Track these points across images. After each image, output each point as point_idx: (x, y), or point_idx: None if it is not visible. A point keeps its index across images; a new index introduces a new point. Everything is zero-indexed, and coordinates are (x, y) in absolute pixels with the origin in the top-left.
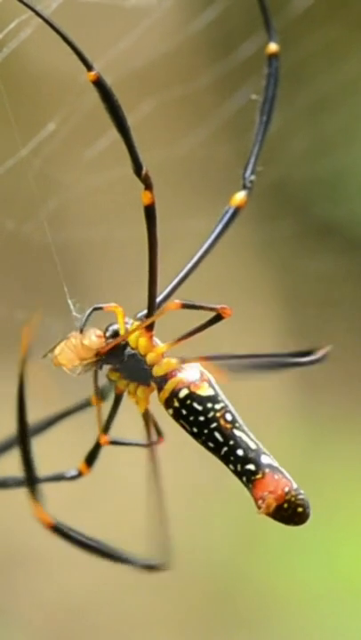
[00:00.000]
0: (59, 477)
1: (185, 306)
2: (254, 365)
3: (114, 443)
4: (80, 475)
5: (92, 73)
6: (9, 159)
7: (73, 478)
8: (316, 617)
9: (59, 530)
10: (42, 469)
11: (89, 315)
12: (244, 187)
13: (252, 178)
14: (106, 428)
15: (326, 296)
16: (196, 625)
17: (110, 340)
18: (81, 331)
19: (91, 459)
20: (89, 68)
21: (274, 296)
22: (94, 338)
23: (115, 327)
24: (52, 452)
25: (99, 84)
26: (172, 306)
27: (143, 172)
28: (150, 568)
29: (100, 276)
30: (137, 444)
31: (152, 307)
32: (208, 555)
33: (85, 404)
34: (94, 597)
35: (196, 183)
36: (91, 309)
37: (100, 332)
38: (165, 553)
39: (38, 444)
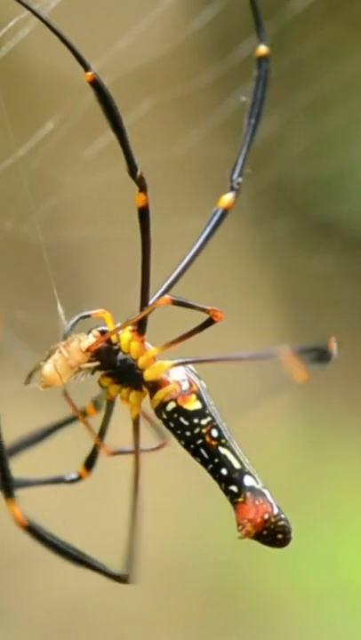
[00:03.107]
0: (58, 480)
1: (175, 302)
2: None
3: (118, 453)
4: (80, 478)
5: (89, 73)
6: (7, 158)
7: (73, 482)
8: (316, 617)
9: (32, 530)
10: (42, 471)
11: (75, 323)
12: (232, 188)
13: (240, 180)
14: (101, 436)
15: (326, 295)
16: (196, 625)
17: (103, 341)
18: (65, 337)
19: (90, 463)
20: (86, 68)
21: (273, 296)
22: (92, 338)
23: (104, 328)
24: (52, 454)
25: (95, 84)
26: (162, 301)
27: (138, 173)
28: (117, 579)
29: (98, 275)
30: (141, 451)
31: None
32: (208, 555)
33: (83, 415)
34: (94, 597)
35: (195, 182)
36: (77, 317)
37: (96, 333)
38: (133, 567)
39: (40, 445)
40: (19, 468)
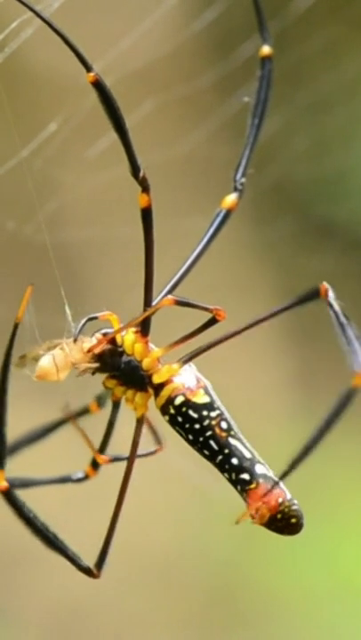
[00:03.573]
0: (65, 479)
1: (179, 302)
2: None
3: (114, 460)
4: (87, 477)
5: (92, 74)
6: (10, 159)
7: (79, 481)
8: (317, 617)
9: (9, 497)
10: (49, 471)
11: (83, 325)
12: (235, 189)
13: (243, 180)
14: (107, 437)
15: None
16: (196, 625)
17: (105, 343)
18: (75, 340)
19: (96, 462)
20: (88, 69)
21: (273, 296)
22: (94, 340)
23: (108, 330)
24: (58, 453)
25: (98, 85)
26: (165, 302)
27: (140, 174)
28: (85, 571)
29: (99, 276)
30: (137, 456)
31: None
32: (208, 555)
33: (84, 412)
34: (94, 597)
35: (196, 182)
36: (85, 319)
37: (99, 335)
38: (103, 562)
39: (46, 445)
40: (25, 467)
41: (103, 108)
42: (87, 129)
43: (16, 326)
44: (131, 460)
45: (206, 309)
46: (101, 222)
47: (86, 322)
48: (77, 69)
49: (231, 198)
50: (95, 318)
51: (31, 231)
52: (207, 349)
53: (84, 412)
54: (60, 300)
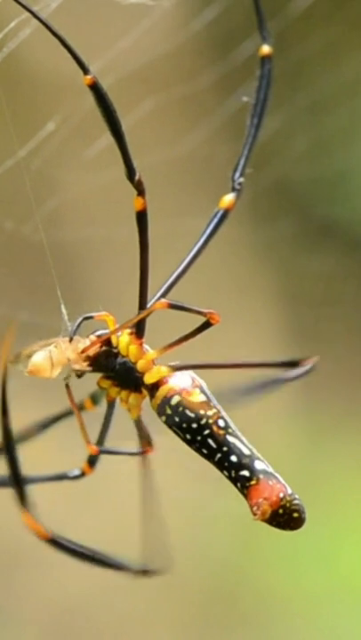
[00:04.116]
0: (61, 477)
1: (172, 306)
2: (245, 390)
3: (104, 452)
4: (83, 475)
5: (89, 77)
6: (8, 159)
7: (76, 478)
8: (316, 617)
9: (55, 541)
10: (45, 468)
11: (79, 324)
12: (233, 189)
13: (241, 180)
14: (102, 436)
15: (326, 296)
16: (196, 625)
17: (99, 345)
18: (70, 339)
19: (93, 459)
20: (85, 71)
21: (273, 296)
22: (88, 342)
23: (103, 332)
24: (55, 451)
25: (95, 87)
26: (158, 305)
27: (136, 177)
28: (147, 573)
29: (97, 276)
30: (126, 454)
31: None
32: (208, 554)
33: (80, 408)
34: (94, 597)
35: (196, 182)
36: (81, 318)
37: (93, 337)
38: (162, 558)
39: (42, 442)
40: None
41: (100, 111)
42: (86, 129)
43: (5, 369)
44: (143, 460)
45: (200, 313)
46: (100, 222)
47: (82, 321)
48: (76, 69)
49: (229, 198)
50: (91, 318)
51: (29, 231)
52: (201, 367)
53: (80, 408)
54: (57, 300)
